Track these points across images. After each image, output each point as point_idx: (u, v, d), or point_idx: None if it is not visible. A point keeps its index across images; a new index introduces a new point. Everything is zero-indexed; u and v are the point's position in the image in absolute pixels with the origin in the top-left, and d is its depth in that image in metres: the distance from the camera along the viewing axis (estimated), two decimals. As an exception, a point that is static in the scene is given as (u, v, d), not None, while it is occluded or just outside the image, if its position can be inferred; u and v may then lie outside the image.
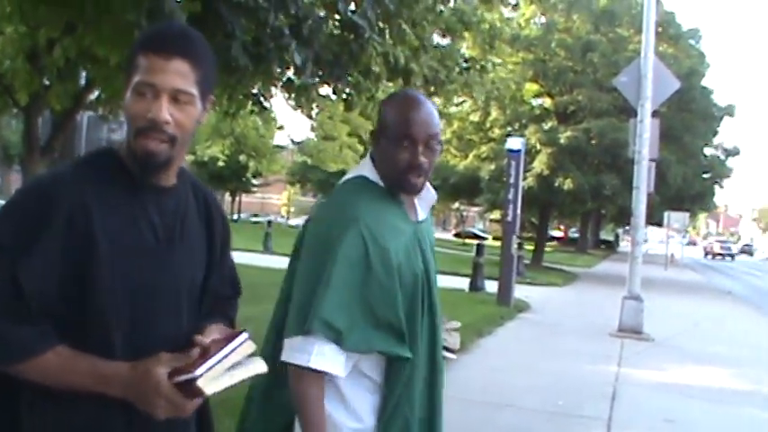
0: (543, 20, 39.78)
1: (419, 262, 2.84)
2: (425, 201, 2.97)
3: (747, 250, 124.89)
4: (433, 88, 8.91)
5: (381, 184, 2.85)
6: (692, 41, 41.70)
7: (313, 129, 52.58)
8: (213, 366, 2.01)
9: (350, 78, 7.85)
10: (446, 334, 3.27)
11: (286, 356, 2.60)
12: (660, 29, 36.74)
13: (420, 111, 2.81)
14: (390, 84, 8.54)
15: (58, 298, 2.04)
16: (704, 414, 9.84)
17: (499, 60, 33.66)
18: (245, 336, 2.15)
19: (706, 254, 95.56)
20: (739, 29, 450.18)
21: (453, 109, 38.97)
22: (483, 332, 14.46)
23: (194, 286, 2.35)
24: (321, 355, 2.57)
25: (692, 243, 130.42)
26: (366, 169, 2.89)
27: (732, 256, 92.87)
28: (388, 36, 7.33)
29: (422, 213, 2.96)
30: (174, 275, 2.25)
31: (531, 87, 40.16)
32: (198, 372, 1.98)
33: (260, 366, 2.18)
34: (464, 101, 38.10)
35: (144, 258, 2.16)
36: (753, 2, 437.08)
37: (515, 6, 9.85)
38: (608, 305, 18.13)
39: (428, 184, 2.94)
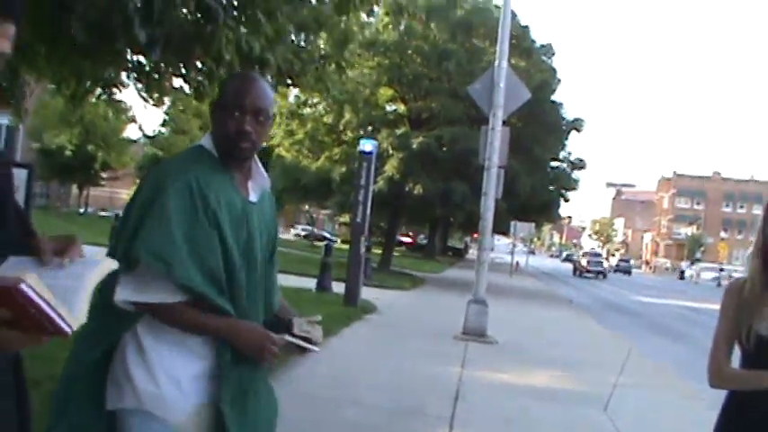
0: (402, 26, 40.01)
1: (243, 233, 3.05)
2: (258, 183, 3.20)
3: (624, 268, 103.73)
4: (288, 80, 8.83)
5: (216, 155, 3.09)
6: (544, 57, 42.59)
7: (165, 122, 51.90)
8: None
9: (202, 66, 7.73)
10: (309, 326, 3.30)
11: (126, 296, 2.84)
12: (514, 42, 37.52)
13: (252, 86, 3.11)
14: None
15: None
16: (543, 413, 10.05)
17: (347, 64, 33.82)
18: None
19: (575, 270, 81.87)
20: (591, 44, 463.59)
21: (307, 110, 38.96)
22: (329, 332, 14.40)
23: None
24: (155, 290, 2.84)
25: (531, 252, 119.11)
26: (204, 140, 3.14)
27: (604, 274, 77.42)
28: (242, 25, 7.23)
29: (253, 194, 3.17)
30: None
31: (386, 92, 40.34)
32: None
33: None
34: (318, 102, 38.10)
35: None
36: (605, 19, 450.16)
37: (370, 13, 9.82)
38: (454, 309, 18.35)
39: (261, 167, 3.22)
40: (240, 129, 3.02)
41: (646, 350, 17.85)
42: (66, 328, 1.85)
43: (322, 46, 9.66)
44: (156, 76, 7.98)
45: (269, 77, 8.08)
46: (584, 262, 79.92)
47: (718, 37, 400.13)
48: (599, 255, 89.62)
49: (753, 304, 3.47)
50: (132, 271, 2.81)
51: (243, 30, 7.18)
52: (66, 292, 1.90)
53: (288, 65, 7.98)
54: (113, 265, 2.11)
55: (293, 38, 8.59)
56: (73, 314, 1.87)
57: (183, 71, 8.13)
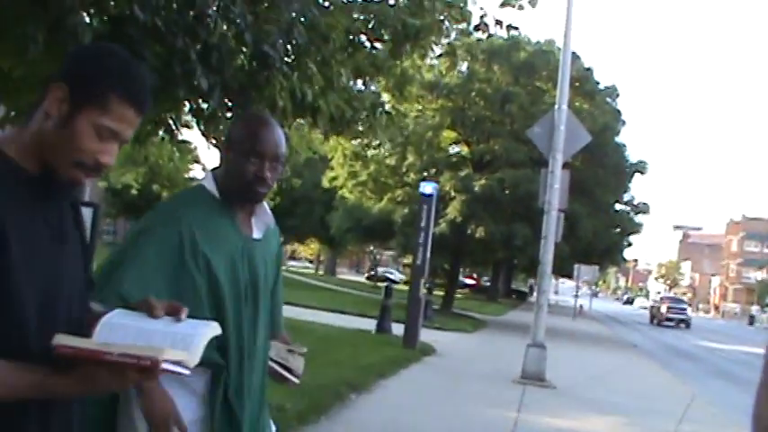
0: (465, 68, 40.15)
1: (245, 273, 3.06)
2: (261, 220, 3.22)
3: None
4: (339, 128, 8.92)
5: (217, 196, 3.10)
6: (608, 99, 42.45)
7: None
8: None
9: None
10: (288, 354, 3.31)
11: None
12: (577, 84, 37.51)
13: (269, 130, 3.13)
14: (300, 120, 8.55)
15: None
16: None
17: (407, 107, 34.07)
18: None
19: (652, 318, 69.52)
20: (657, 85, 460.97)
21: (371, 152, 39.20)
22: (386, 373, 14.42)
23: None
24: None
25: (594, 295, 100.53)
26: (206, 181, 3.16)
27: (687, 323, 65.39)
28: (296, 72, 7.35)
29: (257, 231, 3.19)
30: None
31: (449, 134, 40.50)
32: None
33: None
34: (380, 144, 38.35)
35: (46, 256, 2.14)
36: (670, 62, 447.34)
37: (423, 57, 9.89)
38: (514, 352, 18.23)
39: (266, 204, 3.24)
40: (260, 175, 3.05)
41: (710, 397, 17.58)
42: (185, 370, 2.00)
43: (377, 90, 9.76)
44: (214, 118, 8.12)
45: (321, 124, 8.20)
46: (663, 309, 66.79)
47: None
48: (681, 301, 75.40)
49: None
50: None
51: (296, 77, 7.28)
52: (186, 337, 2.06)
53: (339, 112, 8.07)
54: (218, 330, 2.19)
55: (349, 83, 8.68)
56: (190, 353, 2.02)
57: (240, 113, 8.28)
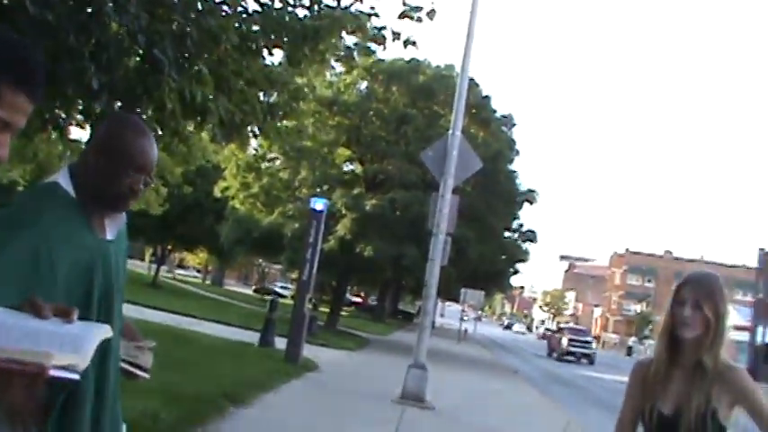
0: (363, 86, 40.36)
1: (100, 278, 2.91)
2: (114, 221, 3.03)
3: None
4: (229, 131, 8.87)
5: (73, 195, 2.88)
6: (503, 127, 43.09)
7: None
8: None
9: (150, 113, 7.78)
10: (137, 351, 3.25)
11: None
12: (474, 110, 38.00)
13: (150, 143, 2.97)
14: (188, 122, 8.46)
15: None
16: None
17: (301, 122, 34.06)
18: None
19: (550, 351, 60.55)
20: (549, 119, 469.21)
21: (264, 164, 39.07)
22: (266, 387, 14.33)
23: None
24: None
25: (478, 319, 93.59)
26: (61, 177, 2.90)
27: (591, 359, 55.72)
28: (186, 74, 7.30)
29: (110, 233, 3.02)
30: None
31: (344, 152, 40.61)
32: None
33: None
34: (276, 157, 38.22)
35: None
36: (564, 95, 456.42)
37: (321, 64, 9.87)
38: (396, 373, 18.25)
39: None
40: (135, 188, 2.93)
41: (585, 423, 17.88)
42: (74, 375, 1.87)
43: (271, 101, 9.72)
44: (103, 119, 8.01)
45: (210, 126, 8.15)
46: (564, 342, 57.14)
47: (673, 114, 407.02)
48: (584, 332, 63.69)
49: (657, 383, 3.57)
50: None
51: (186, 79, 7.23)
52: (75, 339, 1.93)
53: (229, 115, 8.03)
54: (110, 332, 2.09)
55: (240, 89, 8.64)
56: (80, 356, 1.90)
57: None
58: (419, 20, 9.49)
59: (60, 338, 1.91)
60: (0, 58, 1.98)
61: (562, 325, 72.30)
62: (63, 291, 2.73)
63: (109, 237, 3.01)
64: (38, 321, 1.97)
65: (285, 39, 8.67)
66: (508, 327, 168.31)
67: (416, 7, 9.48)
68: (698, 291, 3.55)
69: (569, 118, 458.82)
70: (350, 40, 9.76)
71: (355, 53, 10.56)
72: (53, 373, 1.79)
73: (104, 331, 2.05)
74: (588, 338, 59.70)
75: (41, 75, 2.07)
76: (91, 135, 3.13)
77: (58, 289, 2.71)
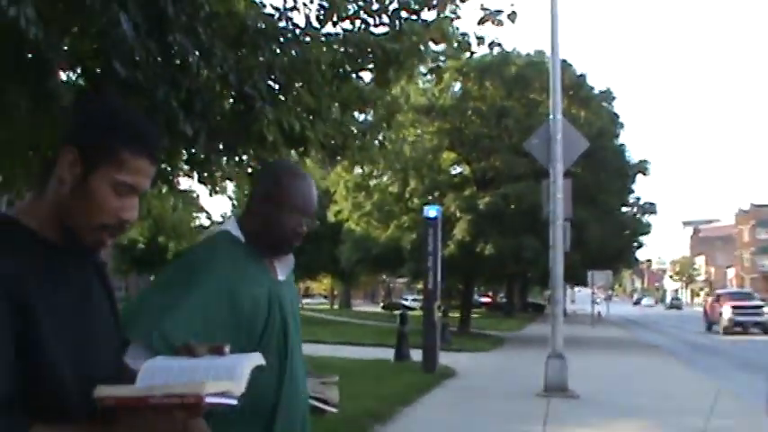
0: (457, 88, 40.24)
1: (277, 315, 3.02)
2: (285, 264, 3.21)
3: (677, 305, 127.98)
4: (331, 155, 8.93)
5: (243, 240, 3.06)
6: (604, 103, 42.44)
7: (234, 206, 52.69)
8: None
9: (251, 150, 7.88)
10: (323, 387, 3.31)
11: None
12: (571, 92, 37.55)
13: (308, 186, 3.14)
14: (292, 152, 8.54)
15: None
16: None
17: (403, 133, 34.14)
18: None
19: (710, 325, 48.30)
20: (651, 86, 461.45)
21: (373, 181, 39.20)
22: (408, 400, 14.36)
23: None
24: None
25: (608, 299, 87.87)
26: (230, 226, 3.12)
27: (764, 325, 44.19)
28: (282, 106, 7.37)
29: (281, 274, 3.18)
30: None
31: (449, 155, 40.50)
32: None
33: None
34: (382, 173, 38.32)
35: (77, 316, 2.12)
36: (664, 58, 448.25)
37: (410, 80, 9.87)
38: (534, 366, 18.08)
39: None
40: (299, 230, 3.09)
41: (738, 390, 17.43)
42: (232, 401, 1.98)
43: (369, 119, 9.76)
44: (207, 164, 8.13)
45: (312, 153, 8.21)
46: (726, 311, 45.23)
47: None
48: (750, 295, 51.76)
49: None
50: None
51: (282, 110, 7.30)
52: (228, 368, 2.05)
53: (328, 140, 8.08)
54: (261, 360, 2.18)
55: (337, 115, 8.68)
56: (235, 382, 2.00)
57: (236, 158, 8.29)
58: (500, 23, 9.43)
59: (215, 369, 2.03)
60: (120, 126, 2.11)
61: (720, 291, 54.28)
62: (245, 329, 2.88)
63: (281, 278, 3.17)
64: (193, 359, 2.10)
65: (371, 63, 8.71)
66: (637, 302, 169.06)
67: (497, 11, 9.42)
68: None
69: (670, 80, 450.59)
70: (435, 47, 9.71)
71: (441, 64, 10.56)
72: (210, 400, 1.89)
73: (256, 358, 2.14)
74: (758, 302, 47.49)
75: (158, 138, 2.20)
76: (253, 184, 3.32)
77: (241, 328, 2.86)
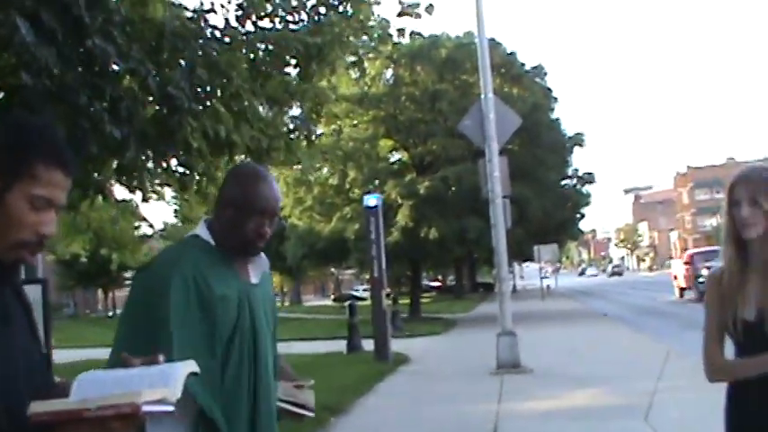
0: (389, 75, 40.31)
1: (246, 318, 3.06)
2: (258, 266, 3.24)
3: (618, 272, 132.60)
4: (258, 159, 8.89)
5: (213, 244, 3.10)
6: (536, 79, 42.78)
7: (176, 213, 52.37)
8: None
9: (179, 156, 7.83)
10: (298, 391, 3.31)
11: None
12: (503, 70, 37.79)
13: (269, 187, 3.15)
14: (218, 158, 8.50)
15: None
16: (583, 434, 9.99)
17: (338, 124, 34.10)
18: None
19: (682, 291, 41.05)
20: (583, 60, 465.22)
21: (312, 176, 39.13)
22: (362, 390, 14.37)
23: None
24: None
25: (555, 271, 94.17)
26: (200, 230, 3.16)
27: None
28: (204, 112, 7.33)
29: (254, 277, 3.21)
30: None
31: (386, 143, 40.62)
32: None
33: None
34: (321, 166, 38.25)
35: None
36: (594, 32, 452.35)
37: (332, 72, 9.87)
38: (486, 345, 18.16)
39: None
40: (261, 232, 3.10)
41: (685, 349, 17.64)
42: (168, 407, 1.96)
43: (296, 115, 9.74)
44: (137, 171, 8.06)
45: (238, 157, 8.17)
46: (704, 273, 30.17)
47: (713, 24, 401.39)
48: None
49: (734, 292, 3.45)
50: None
51: (205, 116, 7.26)
52: (162, 374, 2.02)
53: (255, 142, 8.05)
54: (195, 367, 2.14)
55: (265, 112, 8.66)
56: (170, 388, 1.97)
57: (164, 164, 8.23)
58: (418, 16, 9.48)
59: (149, 377, 1.99)
60: (31, 139, 2.08)
61: (692, 251, 45.62)
62: (214, 329, 2.93)
63: (253, 281, 3.20)
64: (127, 370, 2.07)
65: (293, 58, 8.69)
66: (582, 273, 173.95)
67: (414, 4, 9.46)
68: (751, 187, 3.40)
69: (599, 51, 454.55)
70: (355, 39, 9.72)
71: (363, 57, 10.59)
72: (146, 408, 1.85)
73: (190, 366, 2.11)
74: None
75: (69, 150, 2.15)
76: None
77: (209, 326, 2.92)
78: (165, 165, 8.28)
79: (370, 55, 15.79)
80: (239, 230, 3.07)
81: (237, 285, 3.06)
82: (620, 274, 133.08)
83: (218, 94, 7.48)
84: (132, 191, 8.79)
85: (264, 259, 3.27)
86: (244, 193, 3.10)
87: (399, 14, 9.40)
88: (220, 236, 3.09)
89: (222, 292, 2.95)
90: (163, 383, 1.98)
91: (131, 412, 1.84)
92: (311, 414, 3.38)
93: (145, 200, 8.97)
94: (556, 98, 43.76)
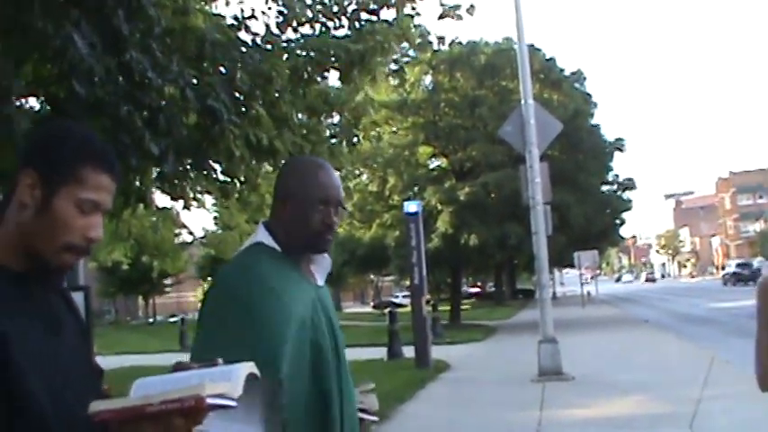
0: (428, 81, 40.30)
1: (322, 325, 2.88)
2: (322, 267, 3.03)
3: (652, 278, 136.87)
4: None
5: (278, 249, 2.88)
6: (576, 84, 42.61)
7: (215, 220, 52.60)
8: None
9: (221, 165, 7.87)
10: (362, 396, 3.21)
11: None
12: (542, 75, 37.67)
13: (330, 174, 2.96)
14: (265, 166, 8.53)
15: None
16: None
17: (378, 131, 34.15)
18: None
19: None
20: (625, 65, 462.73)
21: (352, 182, 39.16)
22: (404, 398, 14.33)
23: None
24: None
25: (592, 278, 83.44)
26: (261, 236, 2.92)
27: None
28: (246, 119, 7.34)
29: (319, 279, 3.02)
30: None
31: (425, 150, 40.58)
32: None
33: None
34: (361, 173, 38.33)
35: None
36: (634, 37, 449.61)
37: (372, 81, 9.85)
38: (528, 352, 18.07)
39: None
40: (329, 222, 2.91)
41: (730, 356, 17.46)
42: (230, 402, 1.90)
43: (335, 122, 9.76)
44: (178, 180, 8.10)
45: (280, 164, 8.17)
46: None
47: (756, 27, 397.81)
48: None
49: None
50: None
51: (246, 123, 7.27)
52: (222, 372, 1.98)
53: (297, 149, 8.04)
54: (254, 368, 2.07)
55: (303, 120, 8.67)
56: (232, 383, 1.93)
57: (205, 173, 8.26)
58: (459, 17, 9.45)
59: (209, 375, 1.96)
60: (77, 144, 2.09)
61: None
62: (307, 340, 2.75)
63: (320, 283, 3.02)
64: (184, 372, 2.03)
65: (334, 64, 8.70)
66: (618, 279, 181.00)
67: (455, 6, 9.43)
68: None
69: (639, 56, 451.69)
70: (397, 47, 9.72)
71: (404, 65, 10.60)
72: (210, 401, 1.81)
73: (250, 366, 2.04)
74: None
75: (114, 154, 2.16)
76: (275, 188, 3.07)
77: (300, 338, 2.72)
78: (206, 173, 8.31)
79: (407, 60, 15.77)
80: (305, 224, 2.87)
81: (310, 290, 2.89)
82: (653, 280, 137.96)
83: (259, 102, 7.47)
84: (175, 199, 8.83)
85: (328, 259, 3.04)
86: (305, 183, 2.92)
87: (441, 17, 9.38)
88: (285, 237, 2.90)
89: (297, 305, 2.77)
90: (224, 379, 1.94)
91: (195, 405, 1.80)
92: (375, 418, 3.23)
93: (186, 207, 9.02)
94: (595, 103, 43.60)
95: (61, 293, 2.26)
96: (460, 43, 38.10)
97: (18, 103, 5.70)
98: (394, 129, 39.19)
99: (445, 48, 10.06)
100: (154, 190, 9.20)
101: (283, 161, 8.03)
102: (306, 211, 2.88)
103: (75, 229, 2.05)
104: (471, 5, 9.39)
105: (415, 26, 9.56)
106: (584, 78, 43.82)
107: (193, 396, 1.80)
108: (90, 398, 2.00)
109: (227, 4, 8.78)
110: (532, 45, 36.47)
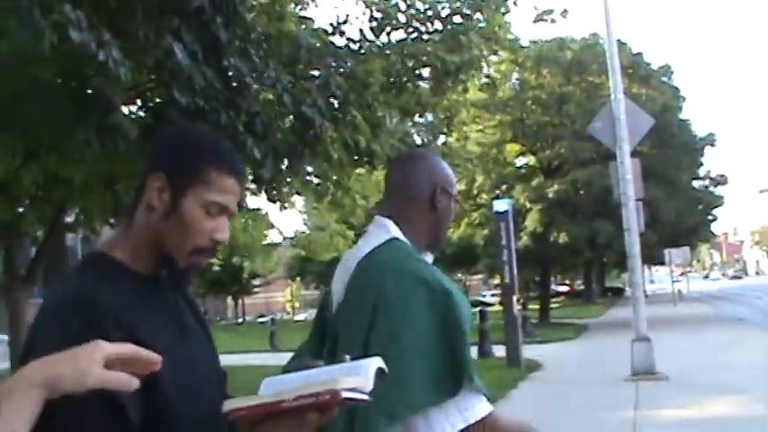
0: (515, 79, 40.12)
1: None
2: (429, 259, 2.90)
3: (738, 275, 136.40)
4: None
5: (410, 244, 2.73)
6: (664, 78, 42.07)
7: (305, 221, 52.98)
8: None
9: (314, 168, 7.96)
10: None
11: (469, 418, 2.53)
12: (630, 70, 37.23)
13: (447, 166, 2.86)
14: (359, 169, 8.62)
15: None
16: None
17: (466, 129, 34.13)
18: None
19: None
20: (712, 58, 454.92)
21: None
22: (495, 397, 14.22)
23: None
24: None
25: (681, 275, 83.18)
26: (393, 232, 2.74)
27: None
28: (342, 123, 7.41)
29: None
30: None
31: (513, 147, 40.45)
32: None
33: None
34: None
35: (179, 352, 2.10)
36: (721, 30, 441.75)
37: (466, 90, 9.86)
38: (620, 351, 17.87)
39: None
40: (457, 210, 2.85)
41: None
42: (364, 396, 1.89)
43: (428, 122, 9.81)
44: (275, 182, 8.21)
45: (379, 167, 8.24)
46: None
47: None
48: None
49: None
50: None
51: (343, 126, 7.35)
52: (352, 367, 1.98)
53: (394, 151, 8.07)
54: (381, 362, 2.03)
55: (397, 123, 8.72)
56: (363, 377, 1.91)
57: (299, 175, 8.36)
58: (553, 21, 9.46)
59: (338, 370, 1.95)
60: (204, 147, 2.13)
61: None
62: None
63: None
64: (312, 370, 2.04)
65: (428, 73, 8.75)
66: (706, 277, 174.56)
67: (548, 10, 9.46)
68: None
69: (727, 49, 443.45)
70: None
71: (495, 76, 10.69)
72: (346, 395, 1.79)
73: (378, 360, 2.02)
74: None
75: (238, 157, 2.20)
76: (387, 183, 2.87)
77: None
78: (300, 175, 8.41)
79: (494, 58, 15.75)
80: (444, 220, 2.79)
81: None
82: (739, 277, 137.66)
83: (354, 106, 7.54)
84: (272, 201, 8.96)
85: (430, 256, 2.86)
86: (445, 178, 2.79)
87: (535, 21, 9.42)
88: (417, 230, 2.74)
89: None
90: (355, 373, 1.92)
91: (331, 399, 1.78)
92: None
93: (283, 209, 9.14)
94: (684, 98, 43.01)
95: (186, 298, 2.29)
96: (547, 41, 37.92)
97: (126, 111, 5.85)
98: (480, 127, 39.06)
99: (534, 46, 10.16)
100: (248, 192, 9.35)
101: (381, 165, 8.08)
102: (449, 203, 2.80)
103: (203, 231, 2.08)
104: (565, 9, 9.45)
105: (504, 24, 9.57)
106: (672, 73, 43.29)
107: (329, 390, 1.77)
108: (221, 400, 2.02)
109: (317, 6, 8.90)
110: (619, 39, 36.06)
